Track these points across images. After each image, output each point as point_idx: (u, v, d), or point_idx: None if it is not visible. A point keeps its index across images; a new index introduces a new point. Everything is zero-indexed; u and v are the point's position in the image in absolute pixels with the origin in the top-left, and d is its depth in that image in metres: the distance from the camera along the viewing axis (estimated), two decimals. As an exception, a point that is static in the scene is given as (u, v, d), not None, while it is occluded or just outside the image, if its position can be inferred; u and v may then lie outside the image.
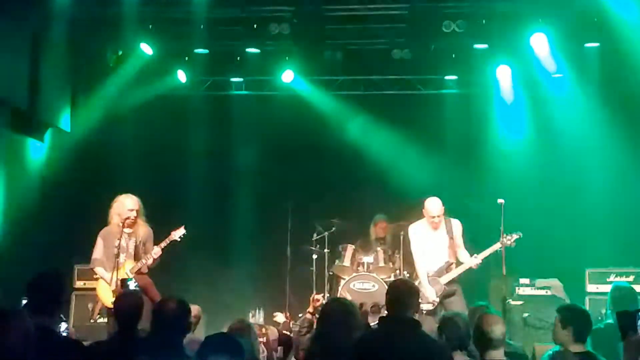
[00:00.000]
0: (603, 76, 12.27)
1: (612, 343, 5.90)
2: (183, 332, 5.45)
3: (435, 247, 9.71)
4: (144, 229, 9.17)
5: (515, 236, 9.44)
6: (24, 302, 7.65)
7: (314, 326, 7.31)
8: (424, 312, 9.31)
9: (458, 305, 9.21)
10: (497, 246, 9.46)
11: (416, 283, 9.21)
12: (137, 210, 9.06)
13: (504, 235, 9.37)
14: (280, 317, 10.47)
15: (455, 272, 9.64)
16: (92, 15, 11.31)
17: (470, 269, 9.61)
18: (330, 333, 5.59)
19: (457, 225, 9.85)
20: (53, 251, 10.84)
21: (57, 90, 11.99)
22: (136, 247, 9.07)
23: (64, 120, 12.31)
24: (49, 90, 11.56)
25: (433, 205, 9.65)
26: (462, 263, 9.64)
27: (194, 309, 7.20)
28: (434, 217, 9.63)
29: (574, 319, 5.94)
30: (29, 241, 10.80)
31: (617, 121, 12.22)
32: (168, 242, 9.09)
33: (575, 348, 5.79)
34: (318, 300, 8.44)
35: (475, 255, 9.60)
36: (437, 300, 9.49)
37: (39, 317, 5.04)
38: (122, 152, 12.69)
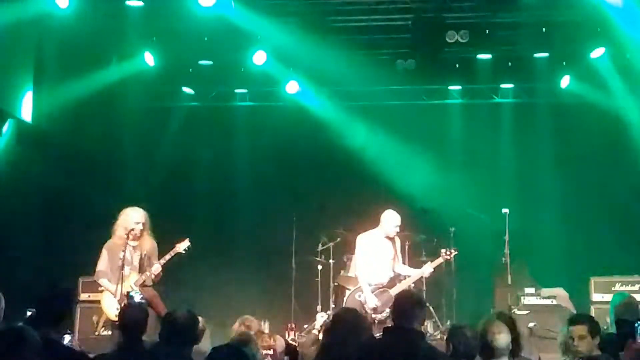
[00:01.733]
0: (611, 87, 12.25)
1: (615, 353, 5.89)
2: (191, 343, 5.45)
3: (385, 259, 9.80)
4: (149, 243, 9.16)
5: (454, 252, 10.05)
6: (29, 313, 7.74)
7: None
8: (376, 321, 9.33)
9: None
10: (440, 260, 10.00)
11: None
12: (143, 224, 9.06)
13: (445, 250, 10.01)
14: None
15: (405, 283, 9.86)
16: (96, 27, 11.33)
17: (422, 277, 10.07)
18: (340, 344, 5.56)
19: (398, 240, 10.14)
20: (8, 247, 10.77)
21: (19, 79, 11.48)
22: (141, 259, 9.06)
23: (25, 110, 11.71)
24: (9, 78, 11.18)
25: (397, 216, 9.88)
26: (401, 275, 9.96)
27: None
28: (398, 227, 9.83)
29: (599, 328, 5.95)
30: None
31: (620, 129, 12.26)
32: (172, 254, 9.08)
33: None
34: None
35: (428, 263, 10.01)
36: (386, 310, 9.48)
37: (45, 329, 5.12)
38: (126, 165, 12.71)
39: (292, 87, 13.06)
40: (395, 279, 9.91)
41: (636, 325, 5.20)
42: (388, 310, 9.45)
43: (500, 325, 5.69)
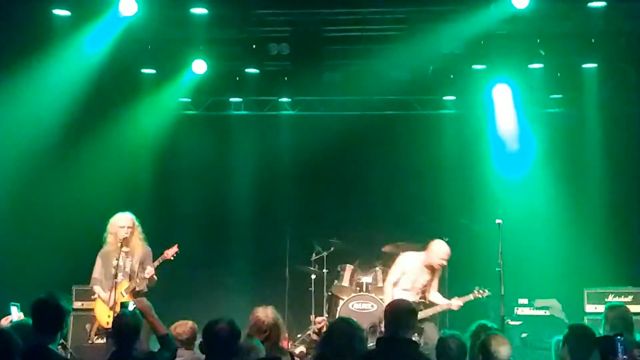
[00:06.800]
0: (601, 98, 12.28)
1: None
2: (233, 354, 5.38)
3: (415, 285, 9.69)
4: (141, 249, 9.15)
5: (487, 292, 9.67)
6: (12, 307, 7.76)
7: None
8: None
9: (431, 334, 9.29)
10: (470, 297, 9.69)
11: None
12: (129, 227, 9.04)
13: (477, 289, 9.62)
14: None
15: (429, 312, 9.74)
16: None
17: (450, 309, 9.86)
18: (335, 354, 5.55)
19: (441, 270, 9.97)
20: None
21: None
22: (132, 266, 9.05)
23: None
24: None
25: (446, 249, 9.67)
26: (432, 302, 9.79)
27: (188, 325, 7.22)
28: (444, 260, 9.66)
29: (569, 337, 5.94)
30: None
31: (614, 140, 12.28)
32: (161, 261, 9.08)
33: None
34: (320, 323, 8.45)
35: (456, 297, 9.76)
36: None
37: (39, 336, 5.26)
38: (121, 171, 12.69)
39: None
40: (420, 305, 9.78)
41: (616, 339, 5.14)
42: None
43: (503, 338, 5.73)
